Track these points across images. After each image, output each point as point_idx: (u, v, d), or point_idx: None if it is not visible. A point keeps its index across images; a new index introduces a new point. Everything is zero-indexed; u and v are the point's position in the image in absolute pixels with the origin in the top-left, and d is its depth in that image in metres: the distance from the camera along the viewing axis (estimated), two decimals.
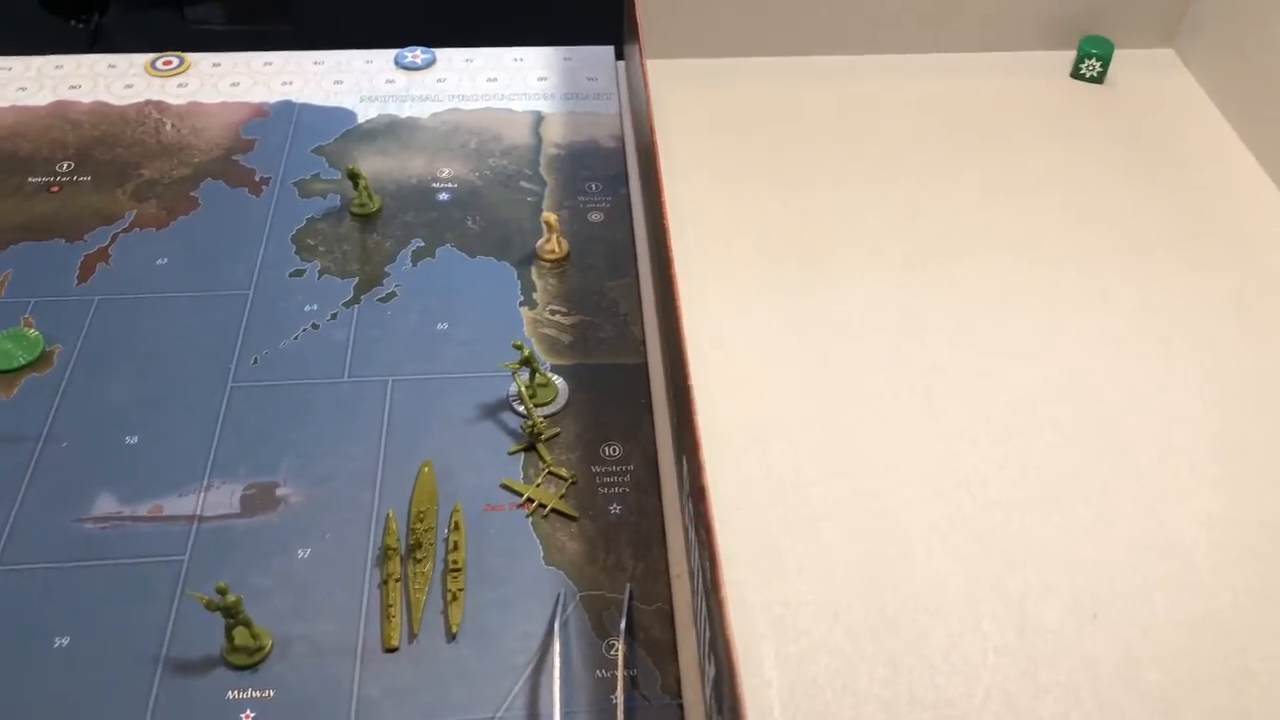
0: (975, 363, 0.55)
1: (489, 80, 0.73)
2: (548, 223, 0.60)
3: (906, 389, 0.54)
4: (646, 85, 0.56)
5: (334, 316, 0.58)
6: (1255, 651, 0.44)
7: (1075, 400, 0.54)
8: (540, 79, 0.74)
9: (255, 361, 0.55)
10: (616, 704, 0.42)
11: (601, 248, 0.62)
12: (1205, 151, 0.68)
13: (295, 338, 0.57)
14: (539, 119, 0.70)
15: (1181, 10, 0.74)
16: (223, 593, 0.42)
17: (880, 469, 0.50)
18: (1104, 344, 0.56)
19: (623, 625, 0.45)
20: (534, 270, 0.61)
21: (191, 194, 0.64)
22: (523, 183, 0.66)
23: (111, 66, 0.73)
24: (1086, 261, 0.61)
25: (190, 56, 0.74)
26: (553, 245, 0.61)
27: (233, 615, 0.43)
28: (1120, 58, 0.74)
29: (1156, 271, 0.60)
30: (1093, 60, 0.72)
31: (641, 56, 0.58)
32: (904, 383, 0.54)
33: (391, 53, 0.75)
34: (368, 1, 1.20)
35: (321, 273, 0.60)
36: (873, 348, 0.56)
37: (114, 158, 0.66)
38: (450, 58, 0.75)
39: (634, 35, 0.63)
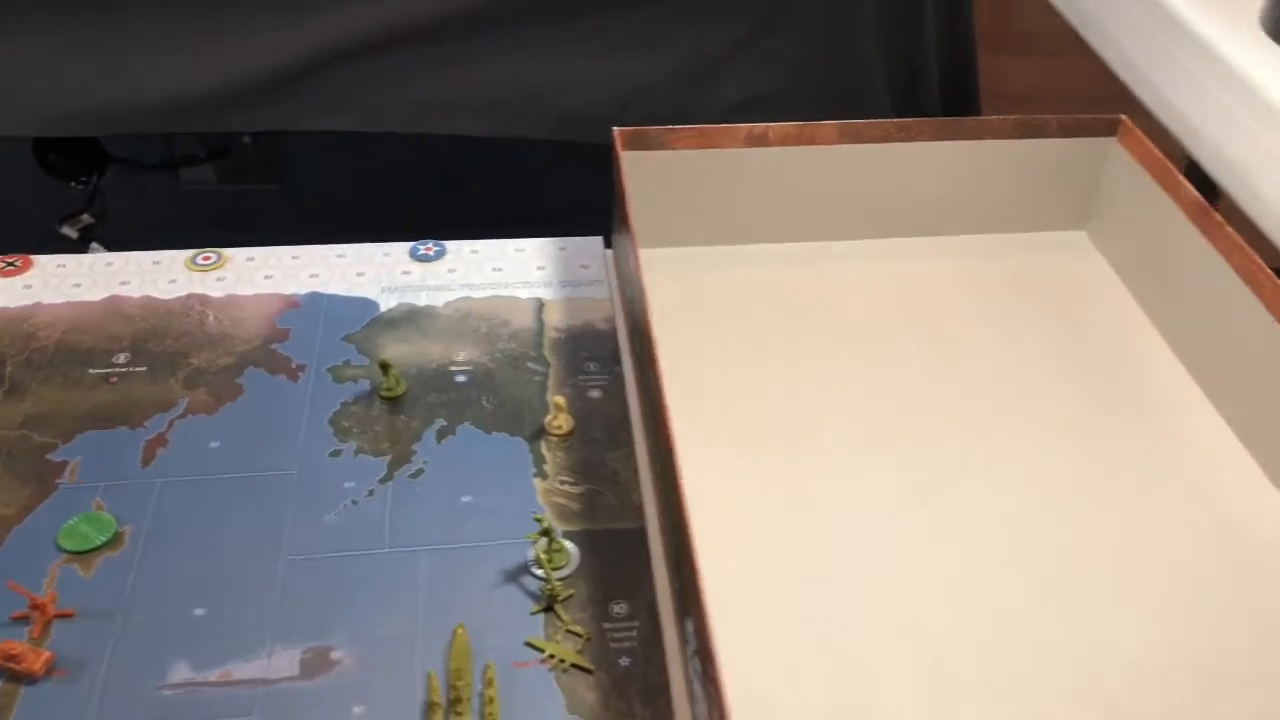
0: (935, 522, 0.65)
1: (494, 270, 0.83)
2: (557, 404, 0.69)
3: (878, 559, 0.63)
4: (639, 273, 0.66)
5: (371, 493, 0.66)
6: None
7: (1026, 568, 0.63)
8: (539, 268, 0.84)
9: (303, 538, 0.63)
10: None
11: (601, 422, 0.71)
12: (1118, 328, 0.80)
13: (337, 513, 0.65)
14: (540, 305, 0.80)
15: (1091, 195, 0.86)
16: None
17: (857, 630, 0.59)
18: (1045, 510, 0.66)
19: None
20: (544, 444, 0.69)
21: (236, 381, 0.73)
22: (529, 364, 0.75)
23: (156, 263, 0.82)
24: (1021, 432, 0.71)
25: (226, 252, 0.83)
26: (560, 422, 0.70)
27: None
28: (1036, 240, 0.86)
29: (1083, 437, 0.71)
30: None
31: (634, 248, 0.68)
32: (875, 555, 0.63)
33: (406, 245, 0.85)
34: (352, 168, 1.31)
35: (357, 452, 0.68)
36: (853, 513, 0.65)
37: (164, 349, 0.75)
38: (459, 249, 0.85)
39: (625, 227, 0.73)
